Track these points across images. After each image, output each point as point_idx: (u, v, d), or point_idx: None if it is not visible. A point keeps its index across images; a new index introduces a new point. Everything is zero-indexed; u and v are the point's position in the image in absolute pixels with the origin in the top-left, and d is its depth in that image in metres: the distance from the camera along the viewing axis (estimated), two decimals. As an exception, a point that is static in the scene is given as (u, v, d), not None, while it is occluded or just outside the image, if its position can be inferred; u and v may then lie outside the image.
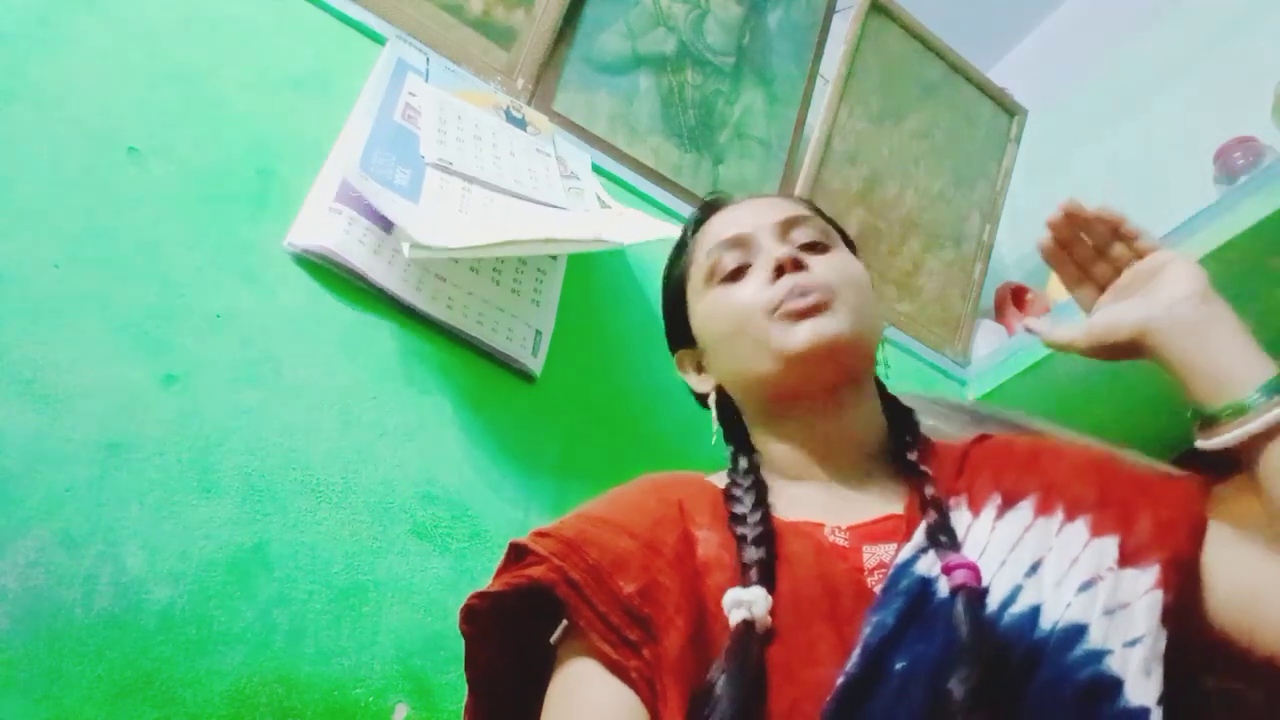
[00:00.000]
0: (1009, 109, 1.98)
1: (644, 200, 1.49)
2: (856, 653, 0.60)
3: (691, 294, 0.87)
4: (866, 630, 0.62)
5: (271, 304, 1.07)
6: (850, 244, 0.89)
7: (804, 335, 0.75)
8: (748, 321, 0.78)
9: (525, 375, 1.21)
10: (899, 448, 0.79)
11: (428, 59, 1.35)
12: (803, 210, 0.86)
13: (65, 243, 0.98)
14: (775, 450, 0.81)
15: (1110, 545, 0.67)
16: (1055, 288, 1.81)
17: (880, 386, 0.85)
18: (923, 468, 0.75)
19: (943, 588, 0.64)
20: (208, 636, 0.88)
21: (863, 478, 0.78)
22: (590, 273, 1.34)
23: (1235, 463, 0.70)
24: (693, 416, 1.33)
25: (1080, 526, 0.69)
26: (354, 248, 1.12)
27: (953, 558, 0.65)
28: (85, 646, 0.83)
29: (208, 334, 1.01)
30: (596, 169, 1.45)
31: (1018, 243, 2.13)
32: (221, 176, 1.10)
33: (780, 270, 0.78)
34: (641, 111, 1.56)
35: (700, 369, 0.88)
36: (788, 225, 0.83)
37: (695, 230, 0.88)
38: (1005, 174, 1.94)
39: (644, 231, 1.22)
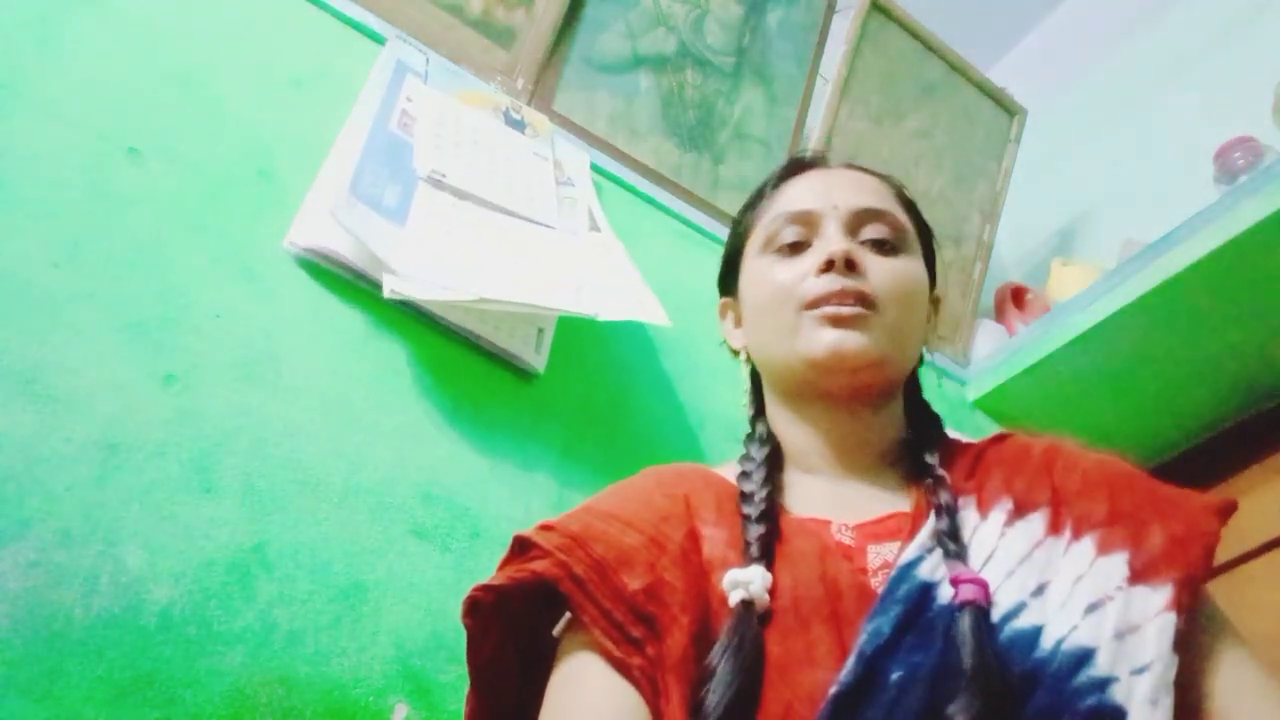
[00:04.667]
0: (1009, 109, 1.98)
1: (643, 200, 1.49)
2: (851, 661, 0.60)
3: (748, 250, 0.85)
4: (862, 638, 0.61)
5: (272, 304, 1.07)
6: (928, 245, 0.86)
7: (826, 344, 0.74)
8: (781, 307, 0.77)
9: (528, 373, 1.21)
10: (918, 448, 0.78)
11: (427, 59, 1.35)
12: (885, 204, 0.82)
13: (65, 242, 0.98)
14: (789, 436, 0.80)
15: (1119, 562, 0.65)
16: (1055, 288, 1.81)
17: (912, 391, 0.84)
18: (939, 471, 0.73)
19: (943, 594, 0.64)
20: (207, 636, 0.88)
21: (875, 475, 0.77)
22: (590, 273, 1.34)
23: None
24: (694, 417, 1.34)
25: (1087, 545, 0.67)
26: (354, 247, 1.11)
27: (962, 570, 0.64)
28: (85, 646, 0.83)
29: (208, 334, 1.01)
30: (596, 169, 1.45)
31: (1018, 243, 2.13)
32: (221, 176, 1.10)
33: (830, 264, 0.75)
34: (641, 111, 1.56)
35: (739, 323, 0.87)
36: (861, 217, 0.79)
37: (775, 186, 0.86)
38: (1005, 174, 1.94)
39: (626, 310, 1.20)
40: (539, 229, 1.26)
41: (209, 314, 1.03)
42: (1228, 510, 0.69)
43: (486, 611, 0.69)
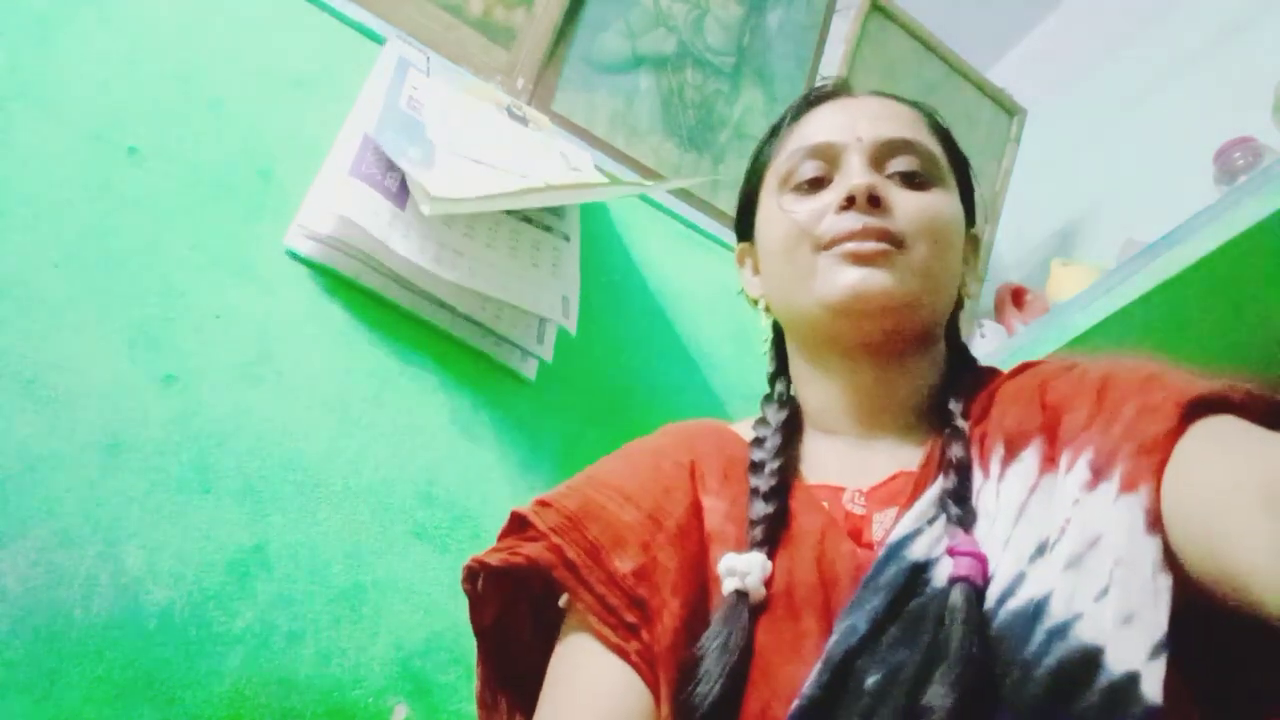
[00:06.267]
0: (1009, 109, 1.98)
1: (643, 200, 1.49)
2: (816, 669, 0.54)
3: (765, 189, 0.77)
4: (832, 640, 0.55)
5: (271, 304, 1.07)
6: (965, 177, 0.77)
7: (846, 284, 0.66)
8: (797, 248, 0.70)
9: (528, 372, 1.21)
10: (944, 395, 0.69)
11: (428, 58, 1.35)
12: (914, 134, 0.73)
13: (65, 242, 0.98)
14: (809, 393, 0.74)
15: (1080, 469, 0.54)
16: (1054, 288, 1.81)
17: (952, 338, 0.76)
18: (958, 421, 0.65)
19: (939, 574, 0.56)
20: (207, 637, 0.88)
21: (901, 433, 0.70)
22: (593, 271, 1.34)
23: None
24: (694, 416, 1.33)
25: (1063, 467, 0.56)
26: (370, 219, 1.09)
27: (961, 540, 0.56)
28: (85, 647, 0.83)
29: (208, 334, 1.01)
30: (596, 169, 1.45)
31: (1017, 243, 2.13)
32: (221, 176, 1.10)
33: (851, 201, 0.68)
34: (641, 111, 1.56)
35: (757, 269, 0.80)
36: (887, 149, 0.71)
37: (794, 118, 0.78)
38: (1005, 174, 1.94)
39: (674, 180, 1.19)
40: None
41: (209, 314, 1.03)
42: (1250, 395, 0.52)
43: (485, 580, 0.68)
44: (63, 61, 1.06)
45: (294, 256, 1.10)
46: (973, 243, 0.78)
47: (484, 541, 1.07)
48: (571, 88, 1.49)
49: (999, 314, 1.88)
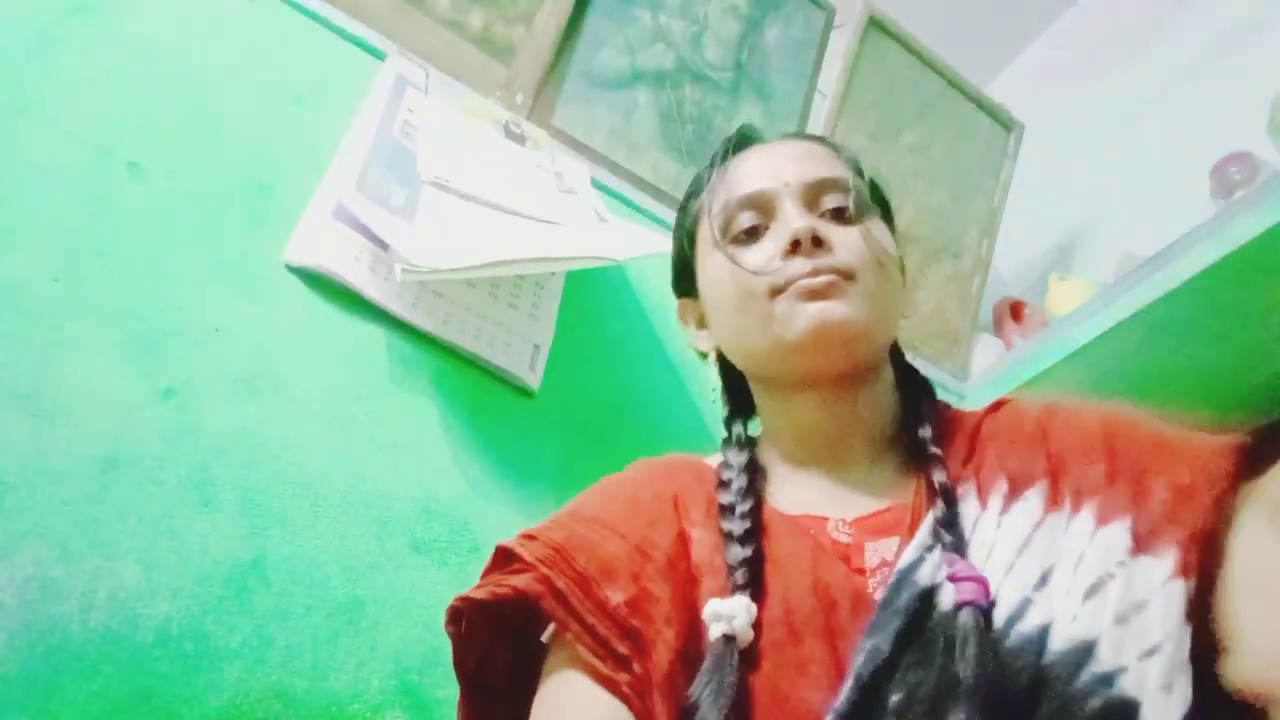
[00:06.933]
0: (1006, 124, 1.99)
1: (643, 215, 1.50)
2: (847, 687, 0.56)
3: (701, 244, 0.79)
4: (859, 660, 0.57)
5: (270, 318, 1.07)
6: (886, 206, 0.81)
7: (808, 319, 0.68)
8: (750, 299, 0.71)
9: (523, 390, 1.21)
10: (912, 424, 0.72)
11: (427, 74, 1.35)
12: (837, 171, 0.75)
13: (65, 256, 0.98)
14: (778, 431, 0.76)
15: (1120, 532, 0.60)
16: (1053, 302, 1.81)
17: (896, 358, 0.79)
18: (933, 449, 0.68)
19: (945, 599, 0.59)
20: (204, 652, 0.88)
21: (872, 462, 0.72)
22: (589, 286, 1.35)
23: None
24: (692, 433, 1.33)
25: (1086, 516, 0.61)
26: (350, 265, 1.12)
27: (961, 566, 0.59)
28: (82, 662, 0.82)
29: (206, 348, 1.01)
30: (595, 184, 1.46)
31: (1015, 257, 2.14)
32: (222, 191, 1.11)
33: (796, 244, 0.70)
34: (640, 126, 1.56)
35: (702, 323, 0.82)
36: (816, 189, 0.74)
37: (718, 168, 0.79)
38: (1003, 188, 1.95)
39: (640, 246, 1.21)
40: (547, 224, 1.27)
41: (208, 328, 1.03)
42: (1245, 450, 0.61)
43: (470, 620, 0.68)
44: (64, 77, 1.06)
45: (293, 270, 1.11)
46: (901, 268, 0.80)
47: (483, 555, 1.06)
48: (571, 103, 1.50)
49: (997, 328, 1.88)
